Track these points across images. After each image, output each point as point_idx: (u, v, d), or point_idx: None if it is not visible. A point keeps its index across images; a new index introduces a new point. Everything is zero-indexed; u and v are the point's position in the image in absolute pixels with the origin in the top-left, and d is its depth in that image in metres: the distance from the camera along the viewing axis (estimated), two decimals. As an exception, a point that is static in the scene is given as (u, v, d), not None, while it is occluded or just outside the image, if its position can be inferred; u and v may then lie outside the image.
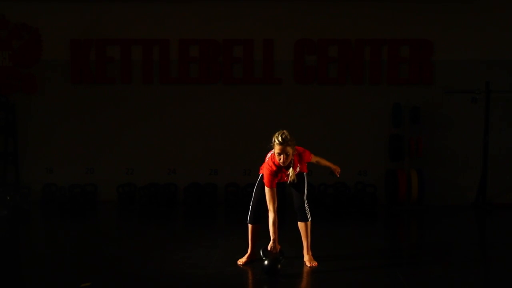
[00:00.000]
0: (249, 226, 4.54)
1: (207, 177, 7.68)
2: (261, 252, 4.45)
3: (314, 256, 4.52)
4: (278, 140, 4.23)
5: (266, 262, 4.18)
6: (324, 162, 4.73)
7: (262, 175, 4.48)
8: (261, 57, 7.61)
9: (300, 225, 4.48)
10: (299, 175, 4.45)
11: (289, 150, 4.26)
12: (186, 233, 6.01)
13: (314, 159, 4.61)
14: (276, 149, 4.26)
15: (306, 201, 4.44)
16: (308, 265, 4.43)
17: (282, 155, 4.25)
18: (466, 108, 7.40)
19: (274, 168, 4.33)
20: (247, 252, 4.57)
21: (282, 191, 7.10)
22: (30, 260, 4.77)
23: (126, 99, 7.70)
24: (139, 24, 7.66)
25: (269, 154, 4.44)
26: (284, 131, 4.29)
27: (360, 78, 7.58)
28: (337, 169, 4.71)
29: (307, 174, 4.54)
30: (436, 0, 7.53)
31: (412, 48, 7.54)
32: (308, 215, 4.44)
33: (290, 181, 4.37)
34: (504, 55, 7.49)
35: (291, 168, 4.33)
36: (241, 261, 4.51)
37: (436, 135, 7.58)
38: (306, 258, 4.50)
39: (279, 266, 4.18)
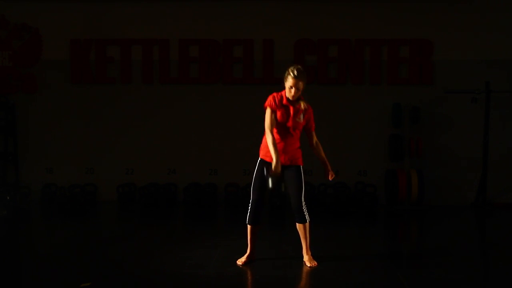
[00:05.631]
0: (248, 226, 4.51)
1: (207, 177, 7.68)
2: (265, 171, 4.30)
3: (314, 256, 4.52)
4: (293, 74, 4.24)
5: (270, 184, 4.17)
6: (322, 153, 4.55)
7: (260, 159, 4.41)
8: (261, 57, 7.62)
9: (299, 226, 4.45)
10: (295, 170, 4.39)
11: (301, 85, 4.26)
12: (186, 233, 6.01)
13: (315, 136, 4.54)
14: (289, 82, 4.26)
15: (304, 202, 4.39)
16: (308, 265, 4.42)
17: (293, 89, 4.26)
18: (466, 108, 7.40)
19: (279, 98, 4.33)
20: (246, 252, 4.56)
21: (281, 191, 7.13)
22: (30, 260, 4.77)
23: (126, 99, 7.71)
24: (139, 24, 7.67)
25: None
26: (299, 66, 4.32)
27: (360, 78, 7.58)
28: (331, 174, 4.51)
29: (303, 168, 4.47)
30: (436, 0, 7.53)
31: (412, 48, 7.55)
32: (307, 216, 4.41)
33: (296, 119, 4.32)
34: (504, 55, 7.49)
35: (298, 111, 4.31)
36: (240, 261, 4.50)
37: (436, 135, 7.58)
38: (305, 258, 4.49)
39: (283, 187, 4.24)
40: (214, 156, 7.69)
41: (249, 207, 4.47)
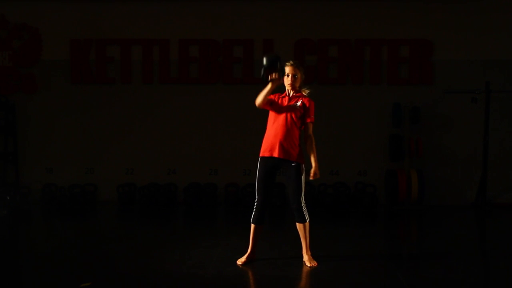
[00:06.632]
0: (252, 225, 4.52)
1: (207, 177, 7.68)
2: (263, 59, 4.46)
3: (314, 256, 4.52)
4: (290, 62, 4.48)
5: (264, 62, 4.38)
6: (313, 152, 4.47)
7: (260, 158, 4.44)
8: (261, 57, 7.58)
9: (299, 226, 4.46)
10: (296, 169, 4.39)
11: (298, 73, 4.47)
12: (186, 233, 6.01)
13: (311, 128, 4.51)
14: (286, 70, 4.47)
15: (303, 202, 4.41)
16: (308, 265, 4.43)
17: (290, 76, 4.44)
18: (466, 108, 7.40)
19: (280, 94, 4.50)
20: (247, 252, 4.57)
21: (282, 191, 7.15)
22: (30, 260, 4.77)
23: (126, 99, 7.71)
24: (139, 24, 7.67)
25: None
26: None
27: (360, 78, 7.58)
28: (316, 174, 4.41)
29: (304, 166, 4.47)
30: (436, 0, 7.53)
31: (412, 48, 7.55)
32: (306, 216, 4.42)
33: (292, 104, 4.42)
34: (504, 55, 7.49)
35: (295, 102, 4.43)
36: (240, 261, 4.50)
37: (436, 135, 7.58)
38: (305, 258, 4.49)
39: (278, 64, 4.38)
40: (214, 156, 7.69)
41: (255, 207, 4.47)
